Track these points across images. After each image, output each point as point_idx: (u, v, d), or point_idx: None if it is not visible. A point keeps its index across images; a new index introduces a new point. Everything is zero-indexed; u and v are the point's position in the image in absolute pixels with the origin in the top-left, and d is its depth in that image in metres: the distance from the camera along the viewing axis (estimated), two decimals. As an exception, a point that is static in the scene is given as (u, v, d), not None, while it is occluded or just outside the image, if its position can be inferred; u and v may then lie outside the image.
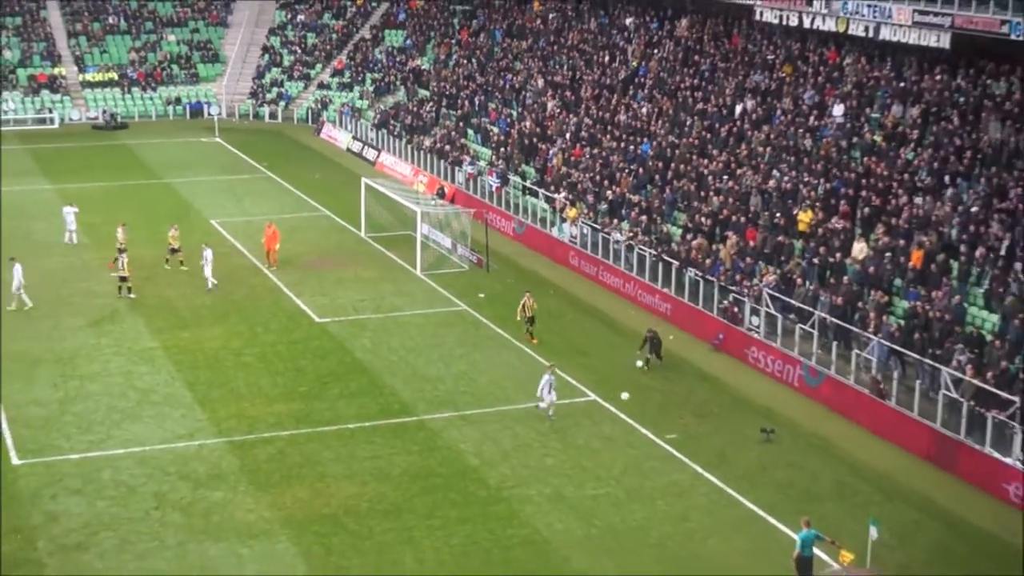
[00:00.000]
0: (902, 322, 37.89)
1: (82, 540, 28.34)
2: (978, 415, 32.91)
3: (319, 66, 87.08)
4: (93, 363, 39.80)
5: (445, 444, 34.05)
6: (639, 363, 40.19)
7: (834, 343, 38.54)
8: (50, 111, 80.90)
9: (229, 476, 31.80)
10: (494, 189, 59.61)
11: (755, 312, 41.63)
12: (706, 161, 52.55)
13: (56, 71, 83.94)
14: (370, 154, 72.39)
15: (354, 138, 75.35)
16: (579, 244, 51.98)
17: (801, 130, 50.95)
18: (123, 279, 46.28)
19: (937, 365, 35.20)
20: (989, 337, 36.09)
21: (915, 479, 32.42)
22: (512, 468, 32.58)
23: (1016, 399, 32.52)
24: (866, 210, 43.92)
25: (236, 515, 29.63)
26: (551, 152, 60.27)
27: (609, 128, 59.89)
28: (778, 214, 46.09)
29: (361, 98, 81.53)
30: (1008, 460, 31.67)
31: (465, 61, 77.97)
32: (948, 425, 33.65)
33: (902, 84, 50.06)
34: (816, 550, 26.50)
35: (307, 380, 38.58)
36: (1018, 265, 37.88)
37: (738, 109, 55.37)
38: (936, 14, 46.86)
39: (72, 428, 34.66)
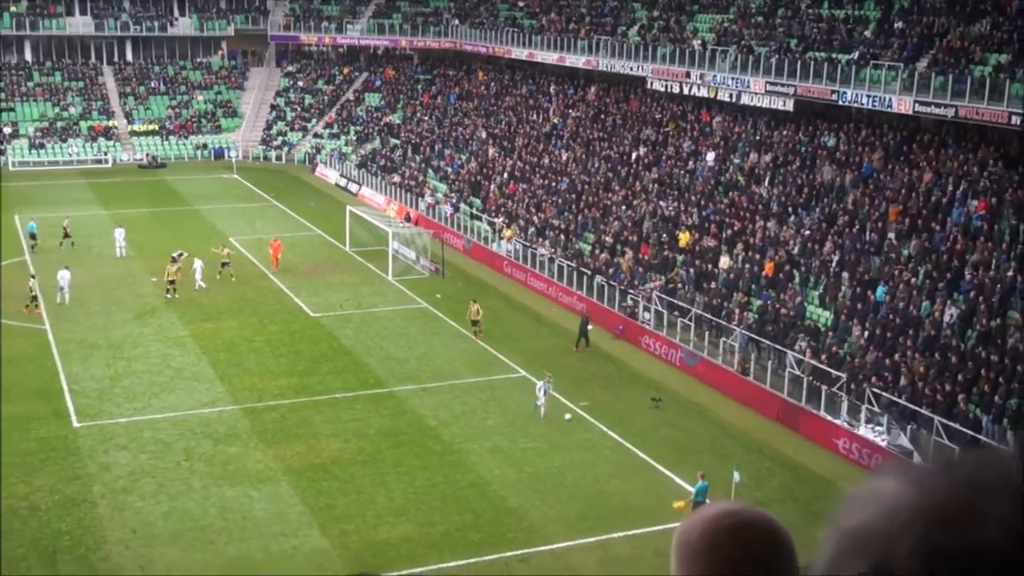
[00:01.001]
0: (757, 316, 37.98)
1: (128, 485, 27.80)
2: (815, 387, 33.04)
3: (314, 120, 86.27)
4: (137, 347, 39.04)
5: (410, 409, 33.79)
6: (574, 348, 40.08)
7: (707, 333, 38.60)
8: (105, 154, 79.46)
9: (243, 435, 31.49)
10: (448, 215, 59.24)
11: (647, 309, 41.62)
12: (609, 194, 52.45)
13: (110, 123, 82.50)
14: (353, 188, 71.78)
15: (341, 175, 74.72)
16: (513, 257, 51.68)
17: (681, 171, 51.00)
18: (171, 282, 45.41)
19: (784, 349, 35.33)
20: (823, 328, 36.21)
21: (768, 436, 32.51)
22: (461, 428, 32.41)
23: (843, 375, 32.65)
24: (730, 232, 44.00)
25: (248, 465, 29.37)
26: (491, 187, 59.98)
27: (536, 169, 59.70)
28: (664, 235, 46.08)
29: (346, 145, 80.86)
30: (837, 421, 31.82)
31: (426, 117, 77.53)
32: (793, 395, 33.80)
33: (757, 137, 50.26)
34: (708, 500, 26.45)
35: (304, 360, 38.16)
36: (845, 274, 38.07)
37: (634, 155, 55.34)
38: (783, 84, 47.10)
39: (120, 398, 33.99)
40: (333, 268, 51.61)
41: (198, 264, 46.72)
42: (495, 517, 26.71)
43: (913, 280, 35.73)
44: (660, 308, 41.07)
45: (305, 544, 25.17)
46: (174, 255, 47.74)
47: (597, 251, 47.54)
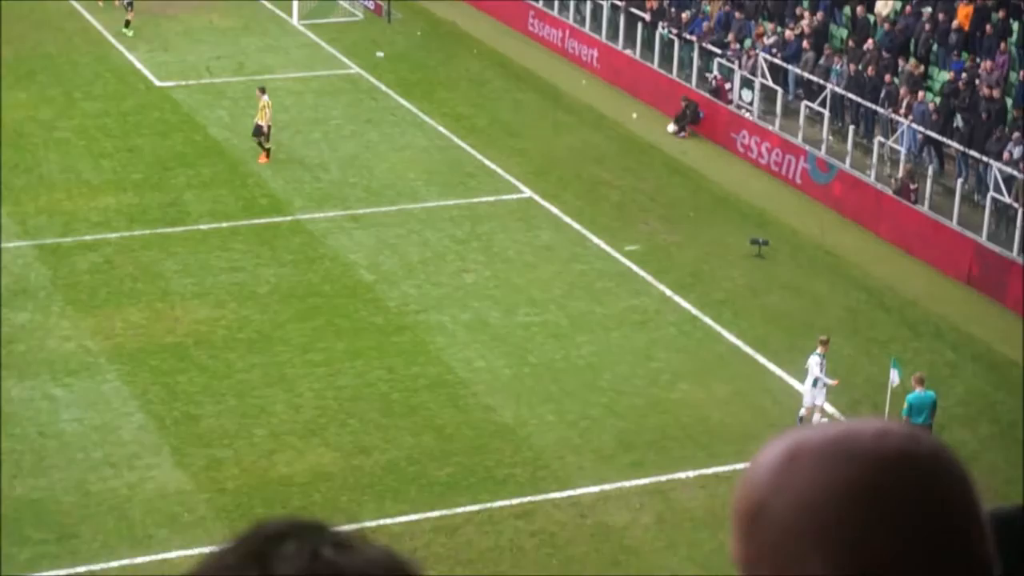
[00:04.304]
0: (940, 101, 37.79)
1: None
2: (1036, 225, 33.10)
3: None
4: None
5: (329, 253, 33.92)
6: (670, 127, 41.35)
7: (851, 127, 38.43)
8: None
9: (38, 292, 31.57)
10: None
11: (747, 84, 41.36)
12: None
13: None
14: None
15: None
16: (512, -12, 51.14)
17: None
18: None
19: (985, 159, 35.21)
20: (1055, 123, 36.08)
21: (951, 308, 32.57)
22: (419, 286, 32.53)
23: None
24: (898, -51, 43.42)
25: (48, 344, 29.50)
26: None
27: None
28: (781, -48, 45.48)
29: None
30: (1073, 285, 31.90)
31: None
32: (996, 239, 33.79)
33: None
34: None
35: (143, 165, 38.12)
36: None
37: None
38: None
39: None
40: (196, 2, 50.88)
41: None
42: (476, 441, 26.98)
43: None
44: (770, 83, 40.90)
45: (148, 480, 25.44)
46: None
47: (661, -21, 46.96)
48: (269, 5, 50.82)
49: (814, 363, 27.74)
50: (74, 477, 25.47)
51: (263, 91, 38.75)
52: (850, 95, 39.11)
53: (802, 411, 27.90)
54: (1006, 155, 34.97)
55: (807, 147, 38.68)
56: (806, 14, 42.77)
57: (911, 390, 26.58)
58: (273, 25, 49.44)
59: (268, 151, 38.49)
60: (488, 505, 25.27)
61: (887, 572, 1.91)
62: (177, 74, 44.56)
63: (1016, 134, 35.37)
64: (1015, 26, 39.19)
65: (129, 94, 42.93)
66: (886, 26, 40.95)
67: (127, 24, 47.28)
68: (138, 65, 45.07)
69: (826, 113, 38.98)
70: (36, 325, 30.17)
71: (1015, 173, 34.27)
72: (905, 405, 26.31)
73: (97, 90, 43.08)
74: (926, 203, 35.62)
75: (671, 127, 41.37)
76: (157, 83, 43.77)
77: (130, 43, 46.66)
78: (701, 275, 33.60)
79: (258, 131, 38.37)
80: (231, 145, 39.62)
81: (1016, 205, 33.57)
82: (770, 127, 40.13)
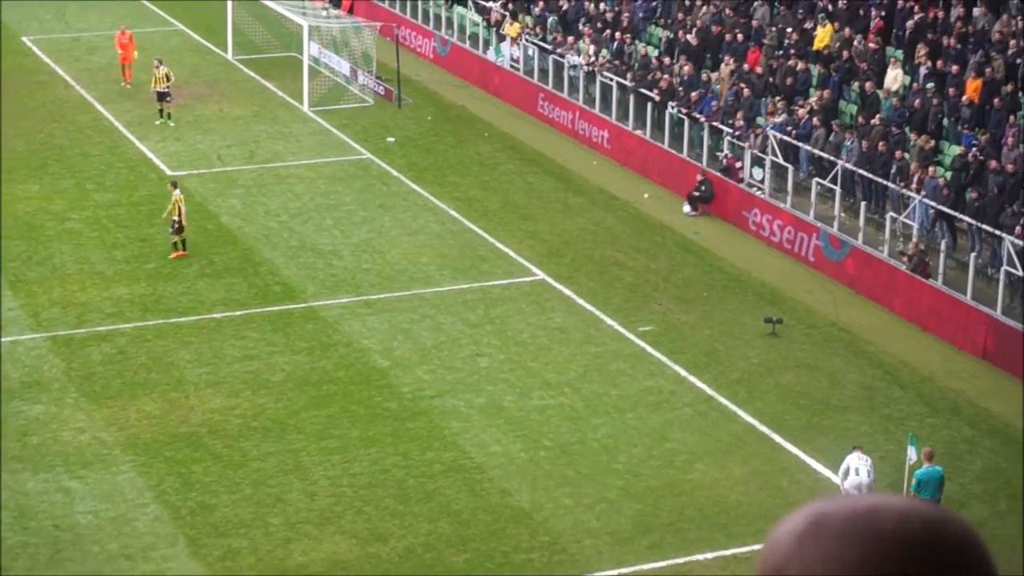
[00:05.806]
0: (950, 176, 37.83)
1: None
2: (1051, 299, 33.06)
3: None
4: None
5: (343, 340, 34.04)
6: (685, 207, 41.53)
7: (863, 203, 38.52)
8: None
9: (52, 384, 31.70)
10: (407, -5, 58.82)
11: (758, 162, 41.48)
12: (693, -42, 51.84)
13: None
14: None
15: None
16: (522, 70, 51.39)
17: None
18: None
19: (998, 233, 35.21)
20: (1067, 195, 36.09)
21: (967, 383, 32.55)
22: (433, 371, 32.61)
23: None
24: (907, 25, 43.56)
25: (62, 436, 29.57)
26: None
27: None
28: (788, 29, 45.74)
29: None
30: (1089, 358, 31.84)
31: None
32: (1011, 313, 33.73)
33: None
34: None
35: (157, 254, 38.32)
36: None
37: None
38: None
39: None
40: (206, 91, 51.59)
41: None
42: (493, 526, 27.00)
43: None
44: (781, 160, 41.03)
45: (164, 572, 25.48)
46: None
47: (670, 60, 47.30)
48: (279, 92, 51.20)
49: (852, 466, 26.29)
50: (90, 570, 25.49)
51: (175, 186, 38.67)
52: (861, 171, 39.23)
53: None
54: (1018, 229, 34.99)
55: (819, 224, 38.81)
56: (818, 94, 42.96)
57: (915, 465, 26.63)
58: (283, 112, 49.78)
59: (183, 244, 38.16)
60: (506, 590, 25.28)
61: None
62: (188, 163, 44.83)
63: (1028, 207, 35.46)
64: (1023, 96, 39.30)
65: (141, 184, 43.21)
66: (895, 101, 41.11)
67: (168, 116, 47.85)
68: (149, 155, 45.37)
69: (838, 190, 39.10)
70: (50, 417, 30.25)
71: (1028, 246, 34.33)
72: (913, 481, 26.31)
73: (109, 181, 43.36)
74: (940, 278, 35.66)
75: (686, 207, 41.54)
76: (169, 172, 43.90)
77: (140, 131, 46.99)
78: (716, 355, 33.66)
79: (175, 227, 38.08)
80: (244, 233, 39.81)
81: (1030, 278, 33.60)
82: (782, 205, 40.23)
